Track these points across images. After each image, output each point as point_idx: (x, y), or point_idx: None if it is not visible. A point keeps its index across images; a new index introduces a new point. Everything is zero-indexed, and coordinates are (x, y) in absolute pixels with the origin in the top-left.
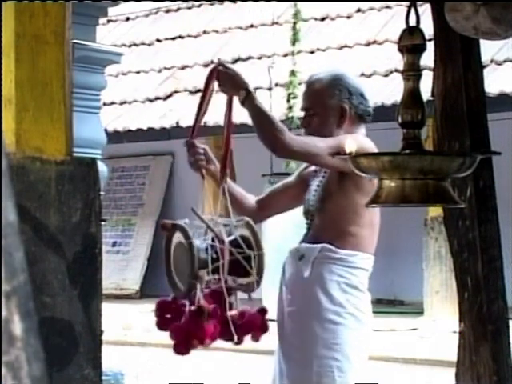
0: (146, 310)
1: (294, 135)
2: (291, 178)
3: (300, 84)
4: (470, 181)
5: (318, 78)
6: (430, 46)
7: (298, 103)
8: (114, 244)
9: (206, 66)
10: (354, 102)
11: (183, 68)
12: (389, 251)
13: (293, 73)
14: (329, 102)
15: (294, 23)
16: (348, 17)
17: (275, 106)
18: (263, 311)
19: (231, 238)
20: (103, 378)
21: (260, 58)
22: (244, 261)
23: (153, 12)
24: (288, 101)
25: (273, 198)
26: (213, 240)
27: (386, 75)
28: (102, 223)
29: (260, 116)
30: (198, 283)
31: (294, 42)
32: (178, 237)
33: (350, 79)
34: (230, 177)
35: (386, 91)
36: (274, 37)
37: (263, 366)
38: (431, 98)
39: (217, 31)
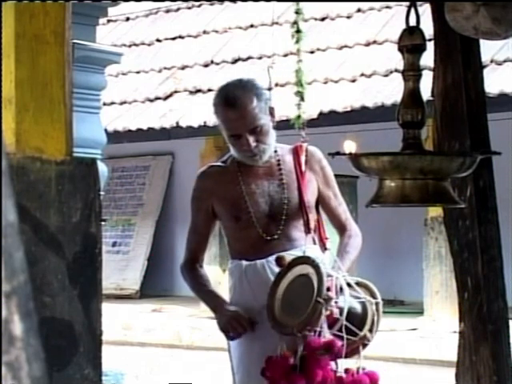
0: (146, 310)
1: None
2: (201, 223)
3: (310, 83)
4: (470, 181)
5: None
6: (430, 46)
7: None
8: (114, 244)
9: (206, 66)
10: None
11: (183, 68)
12: (389, 251)
13: (299, 71)
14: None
15: (295, 22)
16: (348, 17)
17: (275, 105)
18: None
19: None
20: (103, 377)
21: (260, 58)
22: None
23: (153, 12)
24: (302, 99)
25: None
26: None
27: (386, 75)
28: (102, 223)
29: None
30: (322, 305)
31: (297, 40)
32: (296, 271)
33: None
34: None
35: (386, 91)
36: (274, 37)
37: None
38: (431, 98)
39: (217, 31)
